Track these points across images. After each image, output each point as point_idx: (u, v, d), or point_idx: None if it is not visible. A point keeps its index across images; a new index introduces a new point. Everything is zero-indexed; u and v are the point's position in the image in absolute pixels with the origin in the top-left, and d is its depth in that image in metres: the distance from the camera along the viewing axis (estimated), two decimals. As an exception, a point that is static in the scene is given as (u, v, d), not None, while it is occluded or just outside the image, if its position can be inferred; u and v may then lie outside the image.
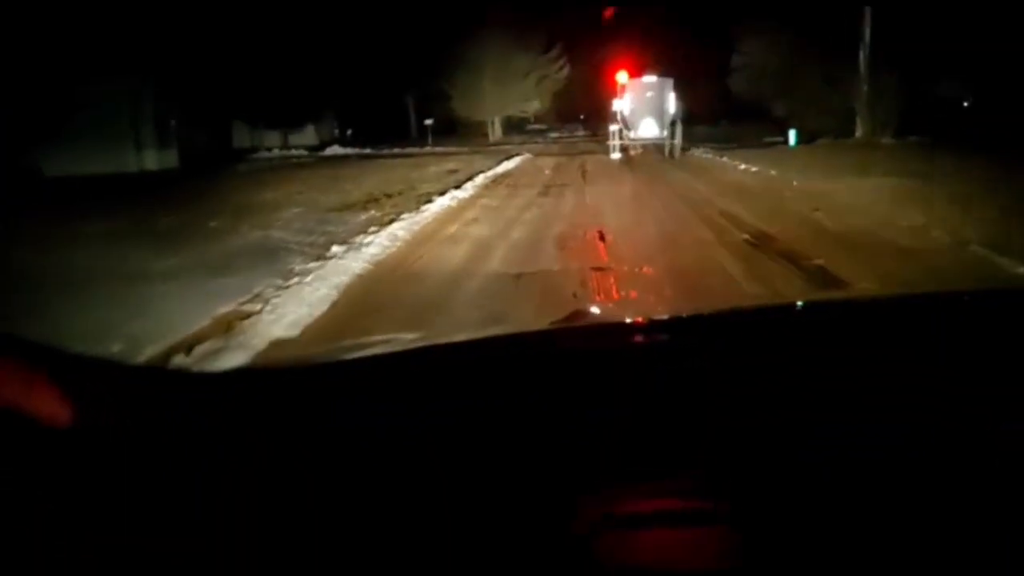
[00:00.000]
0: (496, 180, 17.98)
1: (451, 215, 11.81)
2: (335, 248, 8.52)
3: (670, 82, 25.62)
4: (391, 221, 10.72)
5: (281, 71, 45.80)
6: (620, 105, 24.85)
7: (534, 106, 48.35)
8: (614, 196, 13.51)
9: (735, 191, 13.35)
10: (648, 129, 25.04)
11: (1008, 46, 21.86)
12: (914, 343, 1.17)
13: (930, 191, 11.31)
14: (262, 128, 47.77)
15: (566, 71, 50.86)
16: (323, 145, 40.17)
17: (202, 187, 19.46)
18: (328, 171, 22.66)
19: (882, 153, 20.33)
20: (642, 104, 24.84)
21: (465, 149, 35.92)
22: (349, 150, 38.00)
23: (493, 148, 36.26)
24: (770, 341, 1.24)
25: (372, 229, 9.95)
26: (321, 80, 49.13)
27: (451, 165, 23.74)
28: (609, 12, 26.05)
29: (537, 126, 63.70)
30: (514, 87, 46.14)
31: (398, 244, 9.12)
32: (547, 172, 19.76)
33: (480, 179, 17.77)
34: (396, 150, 37.30)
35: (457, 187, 15.45)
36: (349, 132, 55.80)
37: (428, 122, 44.52)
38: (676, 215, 10.92)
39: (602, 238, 8.93)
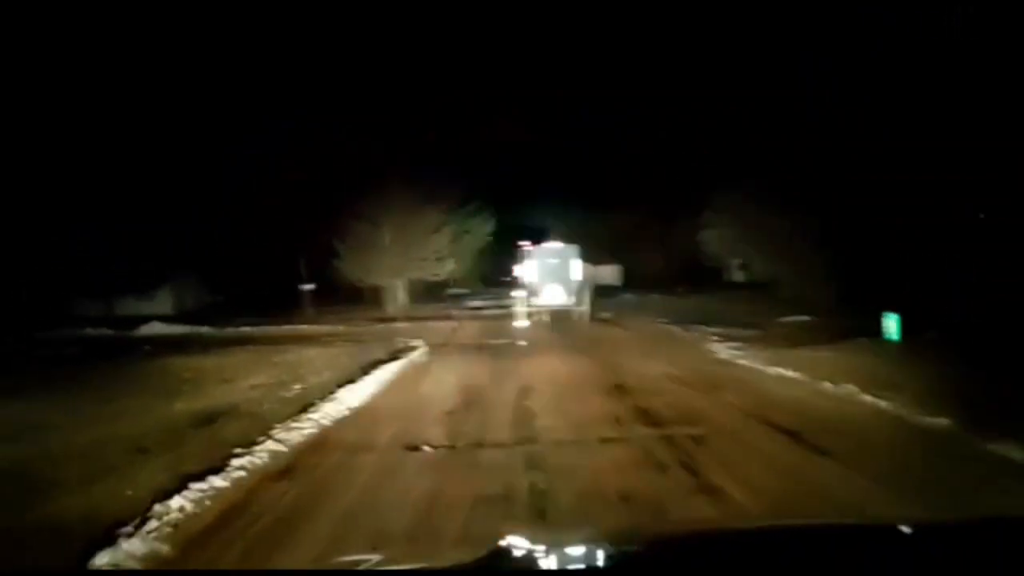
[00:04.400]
0: (267, 483, 5.44)
1: None
2: None
3: (575, 248, 23.74)
4: None
5: (109, 219, 33.34)
6: (522, 272, 23.53)
7: (448, 267, 36.45)
8: None
9: None
10: (553, 296, 23.01)
11: None
12: None
13: None
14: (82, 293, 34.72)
15: (490, 226, 39.62)
16: (144, 320, 26.85)
17: None
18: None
19: None
20: (547, 271, 23.06)
21: (340, 328, 23.38)
22: (175, 328, 25.06)
23: (383, 326, 23.86)
24: None
25: None
26: (173, 231, 36.70)
27: (254, 381, 11.13)
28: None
29: (456, 290, 51.80)
30: (422, 244, 34.32)
31: None
32: (433, 431, 7.24)
33: (222, 481, 5.24)
34: (245, 328, 24.58)
35: None
36: (221, 299, 42.87)
37: (307, 288, 32.21)
38: None
39: None
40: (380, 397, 9.73)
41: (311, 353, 15.47)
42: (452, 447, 6.73)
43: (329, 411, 8.48)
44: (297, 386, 10.54)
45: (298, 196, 34.35)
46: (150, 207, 34.55)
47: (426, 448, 6.66)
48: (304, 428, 7.58)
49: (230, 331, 24.39)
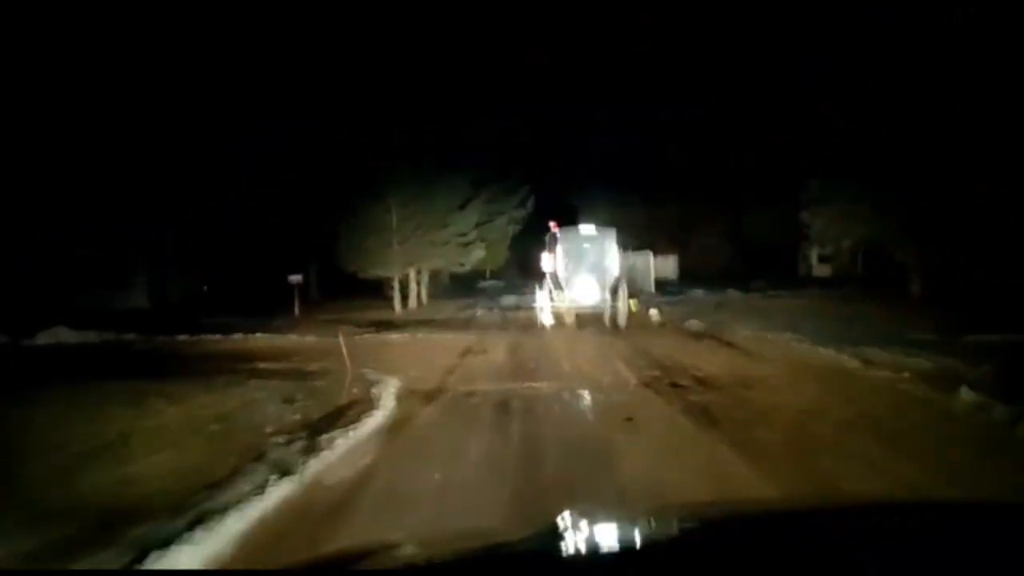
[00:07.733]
0: None
1: None
2: None
3: (612, 232, 18.44)
4: None
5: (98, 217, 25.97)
6: (551, 263, 18.44)
7: (475, 255, 28.51)
8: None
9: None
10: (586, 292, 17.59)
11: None
12: None
13: None
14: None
15: (530, 205, 31.56)
16: (41, 324, 18.74)
17: None
18: None
19: None
20: (580, 260, 17.94)
21: (309, 341, 15.59)
22: (86, 336, 17.40)
23: (371, 337, 16.01)
24: None
25: None
26: (163, 220, 29.11)
27: None
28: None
29: (491, 282, 43.86)
30: (441, 227, 26.48)
31: None
32: None
33: None
34: (182, 337, 16.98)
35: None
36: (207, 291, 35.42)
37: (294, 279, 24.66)
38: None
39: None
40: None
41: (181, 417, 7.70)
42: None
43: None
44: None
45: (302, 179, 26.56)
46: (147, 203, 27.76)
47: None
48: None
49: (159, 341, 16.87)
